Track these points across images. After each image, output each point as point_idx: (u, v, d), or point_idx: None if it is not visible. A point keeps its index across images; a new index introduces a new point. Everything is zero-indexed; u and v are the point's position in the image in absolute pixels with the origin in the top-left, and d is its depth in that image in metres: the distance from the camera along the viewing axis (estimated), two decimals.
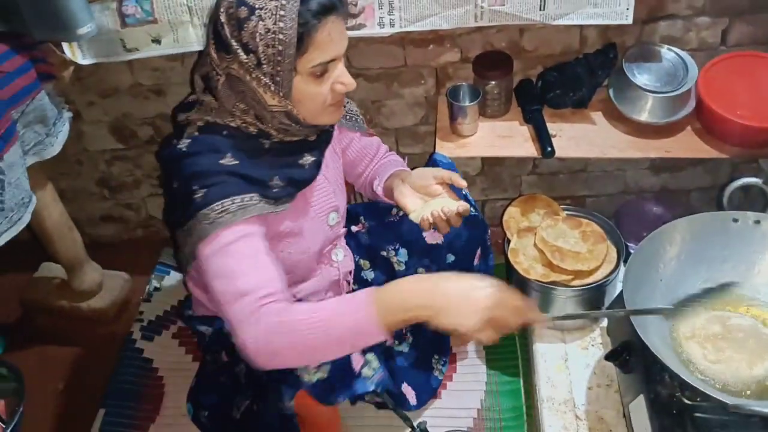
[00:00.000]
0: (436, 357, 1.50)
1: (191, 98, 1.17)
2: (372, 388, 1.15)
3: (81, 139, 1.77)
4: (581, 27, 1.50)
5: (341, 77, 1.07)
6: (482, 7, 1.32)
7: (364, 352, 1.16)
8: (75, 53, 1.41)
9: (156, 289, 1.88)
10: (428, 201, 1.26)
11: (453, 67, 1.58)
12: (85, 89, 1.67)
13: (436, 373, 1.51)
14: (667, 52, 1.46)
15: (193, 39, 1.40)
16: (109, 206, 1.96)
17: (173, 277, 1.90)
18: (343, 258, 1.37)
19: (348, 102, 1.34)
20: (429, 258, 1.38)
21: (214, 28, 1.05)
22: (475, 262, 1.40)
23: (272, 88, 1.04)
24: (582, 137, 1.48)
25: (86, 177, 1.87)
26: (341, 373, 1.13)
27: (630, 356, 1.24)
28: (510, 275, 1.51)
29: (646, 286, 1.24)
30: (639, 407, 1.21)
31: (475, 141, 1.52)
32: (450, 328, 0.95)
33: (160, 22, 1.37)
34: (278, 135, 1.13)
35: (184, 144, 1.08)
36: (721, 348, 1.17)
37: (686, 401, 1.15)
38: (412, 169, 1.33)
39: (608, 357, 1.28)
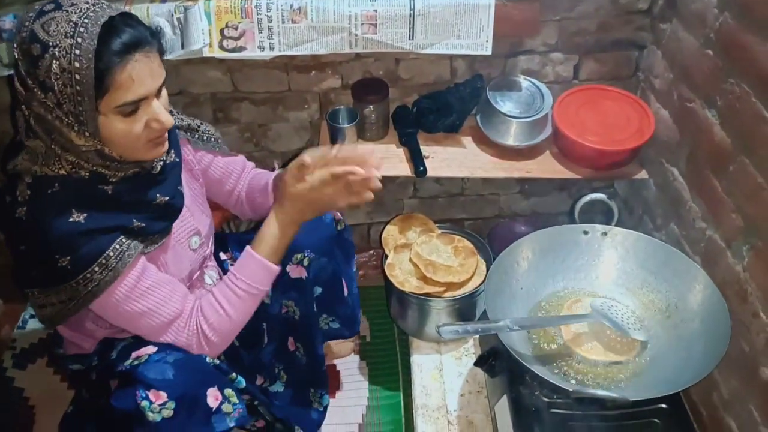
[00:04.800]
0: (312, 390, 1.47)
1: (18, 138, 1.04)
2: (232, 424, 1.12)
3: None
4: (451, 59, 1.61)
5: (156, 115, 1.01)
6: (356, 35, 1.41)
7: (222, 389, 1.11)
8: None
9: (32, 316, 1.80)
10: None
11: (335, 92, 1.65)
12: None
13: (316, 406, 1.47)
14: (525, 82, 1.59)
15: None
16: None
17: None
18: (216, 281, 1.31)
19: (201, 123, 1.30)
20: (295, 291, 1.36)
21: (15, 61, 0.96)
22: (345, 292, 1.42)
23: (76, 128, 0.97)
24: (453, 159, 1.58)
25: None
26: (190, 412, 1.06)
27: (495, 361, 1.32)
28: (387, 288, 1.57)
29: (505, 294, 1.32)
30: (503, 407, 1.28)
31: None
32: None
33: None
34: (114, 173, 1.05)
35: (21, 211, 1.00)
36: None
37: (544, 398, 1.23)
38: None
39: (477, 363, 1.34)
